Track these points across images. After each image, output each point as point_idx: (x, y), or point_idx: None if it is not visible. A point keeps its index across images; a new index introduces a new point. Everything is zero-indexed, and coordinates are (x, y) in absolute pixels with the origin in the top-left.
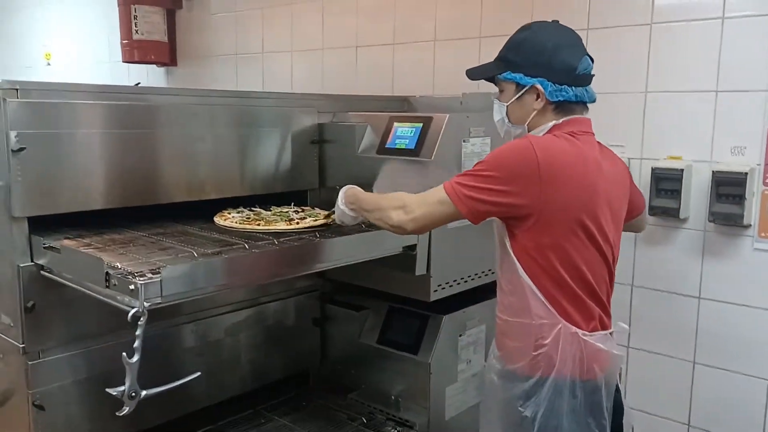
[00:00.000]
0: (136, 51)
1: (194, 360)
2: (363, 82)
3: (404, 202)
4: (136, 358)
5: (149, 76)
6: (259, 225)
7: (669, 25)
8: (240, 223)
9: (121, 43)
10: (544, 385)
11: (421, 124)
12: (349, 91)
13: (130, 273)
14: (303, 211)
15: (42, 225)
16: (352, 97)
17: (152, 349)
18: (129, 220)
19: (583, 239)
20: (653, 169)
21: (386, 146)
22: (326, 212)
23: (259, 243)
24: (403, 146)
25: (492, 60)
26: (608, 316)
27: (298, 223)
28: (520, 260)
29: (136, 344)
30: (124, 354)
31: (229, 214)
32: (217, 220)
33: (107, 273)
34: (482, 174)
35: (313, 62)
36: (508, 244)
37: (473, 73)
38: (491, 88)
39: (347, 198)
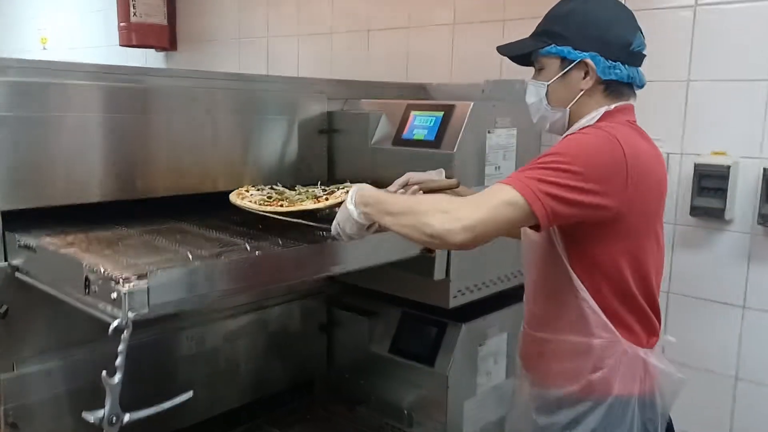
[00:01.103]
0: (134, 34)
1: (189, 369)
2: (375, 68)
3: (448, 205)
4: (117, 377)
5: (148, 61)
6: (282, 206)
7: (715, 7)
8: (260, 204)
9: (119, 26)
10: (595, 410)
11: (442, 113)
12: (359, 78)
13: (113, 279)
14: (330, 189)
15: (24, 220)
16: (365, 83)
17: (141, 358)
18: (123, 215)
19: (653, 246)
20: (696, 166)
21: (403, 137)
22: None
23: (263, 243)
24: (422, 137)
25: (526, 37)
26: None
27: (326, 199)
28: (578, 271)
29: (118, 362)
30: (103, 373)
31: (248, 191)
32: (234, 198)
33: (87, 278)
34: (563, 168)
35: (321, 47)
36: (563, 253)
37: (509, 49)
38: (516, 75)
39: (361, 199)
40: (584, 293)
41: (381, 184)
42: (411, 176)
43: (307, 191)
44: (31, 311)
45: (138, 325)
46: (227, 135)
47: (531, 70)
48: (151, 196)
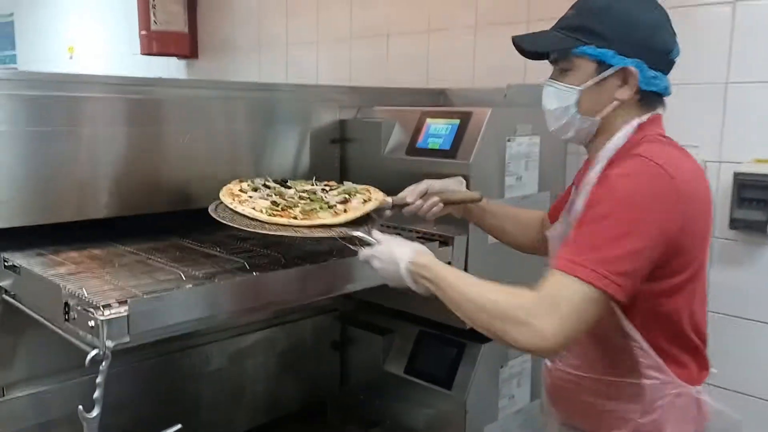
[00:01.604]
0: (155, 43)
1: (195, 391)
2: (394, 74)
3: (525, 314)
4: (96, 412)
5: (170, 69)
6: (295, 218)
7: (756, 3)
8: (269, 214)
9: (140, 34)
10: None
11: (458, 121)
12: (379, 84)
13: (92, 305)
14: (331, 188)
15: (21, 238)
16: (379, 90)
17: (144, 380)
18: (127, 232)
19: (702, 277)
20: (735, 175)
21: (417, 146)
22: (369, 187)
23: (264, 261)
24: (437, 146)
25: (550, 29)
26: None
27: (345, 211)
28: (628, 310)
29: (96, 394)
30: (80, 408)
31: (244, 192)
32: (228, 200)
33: (66, 303)
34: (624, 231)
35: (341, 53)
36: None
37: (532, 42)
38: (539, 79)
39: (418, 269)
40: (633, 332)
41: (394, 195)
42: (430, 185)
43: (310, 193)
44: (19, 335)
45: (130, 349)
46: (236, 146)
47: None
48: (155, 211)
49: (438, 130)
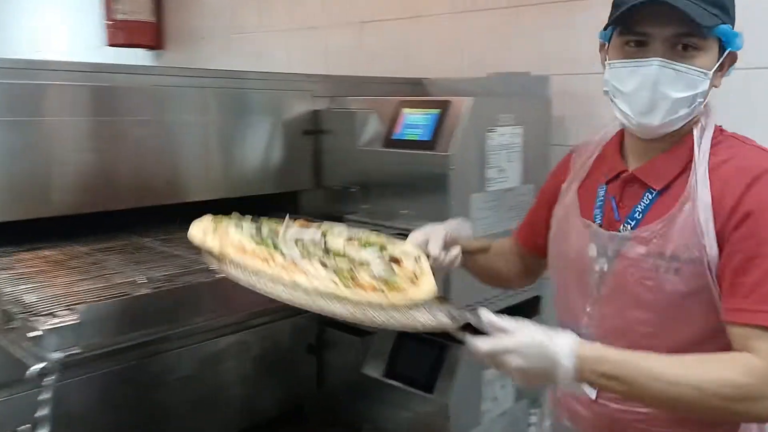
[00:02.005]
0: (120, 33)
1: (164, 399)
2: (371, 63)
3: (749, 389)
4: None
5: (137, 61)
6: (379, 291)
7: None
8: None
9: (105, 24)
10: None
11: (438, 110)
12: (354, 74)
13: (35, 314)
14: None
15: None
16: (354, 79)
17: (110, 389)
18: (85, 229)
19: None
20: None
21: (394, 137)
22: (379, 234)
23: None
24: (415, 137)
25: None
26: None
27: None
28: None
29: (41, 413)
30: (20, 429)
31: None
32: (255, 263)
33: (5, 311)
34: None
35: (315, 42)
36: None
37: (693, 11)
38: (522, 67)
39: (595, 365)
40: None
41: (370, 188)
42: (446, 234)
43: (370, 245)
44: None
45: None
46: (203, 138)
47: (537, 61)
48: (113, 208)
49: (416, 120)
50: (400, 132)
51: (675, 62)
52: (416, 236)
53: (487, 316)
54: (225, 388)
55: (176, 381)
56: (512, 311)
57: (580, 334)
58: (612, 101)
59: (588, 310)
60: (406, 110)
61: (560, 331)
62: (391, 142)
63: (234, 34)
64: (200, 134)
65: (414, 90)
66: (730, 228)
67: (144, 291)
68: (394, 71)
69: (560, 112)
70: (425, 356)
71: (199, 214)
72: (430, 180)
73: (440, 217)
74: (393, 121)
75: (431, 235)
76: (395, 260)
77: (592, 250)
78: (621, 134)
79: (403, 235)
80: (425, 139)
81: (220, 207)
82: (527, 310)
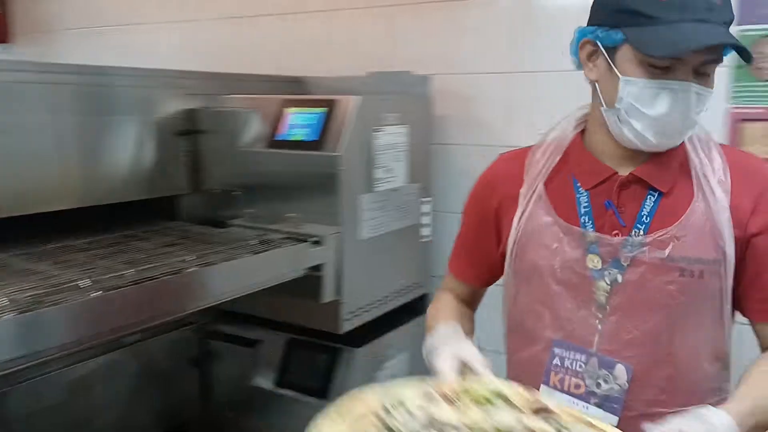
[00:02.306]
0: None
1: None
2: (247, 61)
3: None
4: None
5: None
6: None
7: None
8: None
9: None
10: None
11: (324, 110)
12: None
13: None
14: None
15: None
16: (232, 76)
17: None
18: None
19: None
20: None
21: (278, 138)
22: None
23: (112, 277)
24: (301, 138)
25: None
26: None
27: None
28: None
29: None
30: None
31: None
32: None
33: None
34: None
35: (186, 37)
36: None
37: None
38: (402, 66)
39: (749, 422)
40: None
41: (254, 191)
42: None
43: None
44: None
45: None
46: (59, 141)
47: (417, 61)
48: None
49: (302, 119)
50: (285, 132)
51: (702, 86)
52: (447, 364)
53: None
54: (98, 412)
55: (40, 413)
56: (399, 313)
57: (591, 355)
58: (619, 119)
59: (599, 326)
60: (290, 109)
61: (702, 410)
62: (275, 142)
63: (98, 27)
64: (53, 137)
65: (294, 88)
66: (753, 229)
67: (8, 316)
68: (271, 69)
69: (441, 111)
70: (318, 362)
71: (59, 224)
72: (319, 181)
73: (329, 219)
74: (276, 120)
75: (460, 356)
76: None
77: (594, 261)
78: (579, 136)
79: (294, 238)
80: (312, 139)
81: (84, 216)
82: (419, 308)
